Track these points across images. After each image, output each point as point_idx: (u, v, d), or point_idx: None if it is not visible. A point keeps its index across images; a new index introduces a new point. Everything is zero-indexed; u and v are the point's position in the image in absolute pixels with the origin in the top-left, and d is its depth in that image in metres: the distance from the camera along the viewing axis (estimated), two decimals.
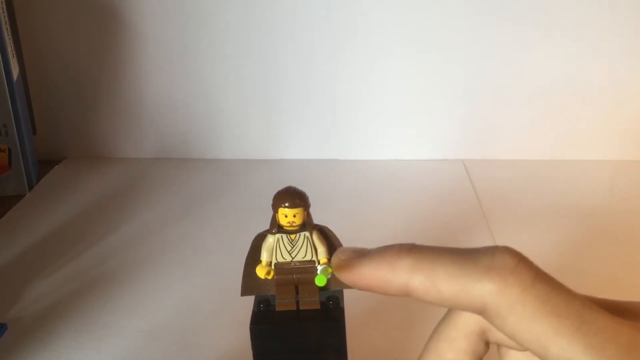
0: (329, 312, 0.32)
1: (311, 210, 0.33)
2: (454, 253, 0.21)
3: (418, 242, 0.23)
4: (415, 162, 0.77)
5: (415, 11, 0.72)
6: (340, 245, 0.33)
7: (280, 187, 0.33)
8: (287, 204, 0.32)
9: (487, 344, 0.23)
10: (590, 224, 0.63)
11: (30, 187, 0.71)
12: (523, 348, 0.20)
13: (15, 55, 0.69)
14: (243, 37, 0.74)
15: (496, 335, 0.22)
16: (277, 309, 0.33)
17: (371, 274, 0.22)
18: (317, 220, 0.34)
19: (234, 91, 0.76)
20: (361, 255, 0.23)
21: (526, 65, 0.74)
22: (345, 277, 0.23)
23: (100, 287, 0.53)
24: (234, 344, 0.46)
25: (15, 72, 0.68)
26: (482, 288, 0.20)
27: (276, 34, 0.74)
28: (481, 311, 0.20)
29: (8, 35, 0.67)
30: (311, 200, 0.33)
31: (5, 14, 0.67)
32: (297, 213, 0.32)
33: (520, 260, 0.20)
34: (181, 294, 0.52)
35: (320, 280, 0.27)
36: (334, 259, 0.24)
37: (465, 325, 0.23)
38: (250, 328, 0.33)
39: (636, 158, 0.76)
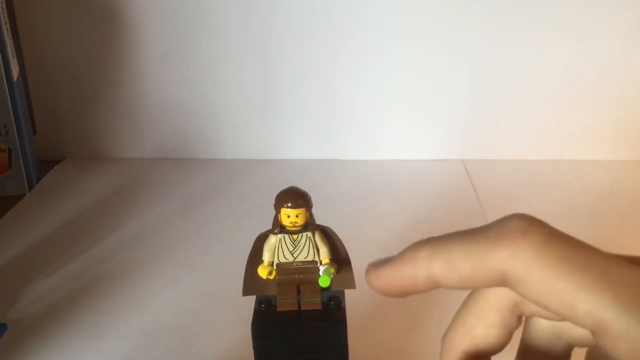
0: (330, 312, 0.32)
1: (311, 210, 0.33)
2: (467, 232, 0.20)
3: None
4: (415, 162, 0.77)
5: (416, 11, 0.72)
6: (342, 245, 0.33)
7: (280, 187, 0.33)
8: (289, 204, 0.32)
9: (519, 318, 0.22)
10: (590, 224, 0.63)
11: (30, 187, 0.71)
12: (554, 315, 0.19)
13: (15, 55, 0.69)
14: (243, 37, 0.74)
15: (531, 308, 0.21)
16: (279, 309, 0.33)
17: (396, 275, 0.21)
18: (317, 220, 0.34)
19: (234, 91, 0.76)
20: (385, 261, 0.22)
21: (527, 66, 0.74)
22: (375, 285, 0.22)
23: (100, 287, 0.53)
24: (234, 344, 0.46)
25: (15, 72, 0.68)
26: (497, 257, 0.19)
27: (276, 34, 0.73)
28: (502, 281, 0.19)
29: (8, 35, 0.66)
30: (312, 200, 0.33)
31: (5, 14, 0.67)
32: (300, 213, 0.32)
33: (532, 222, 0.19)
34: (181, 294, 0.52)
35: (324, 281, 0.27)
36: (367, 275, 0.23)
37: (497, 297, 0.21)
38: (252, 328, 0.33)
39: (636, 158, 0.76)
